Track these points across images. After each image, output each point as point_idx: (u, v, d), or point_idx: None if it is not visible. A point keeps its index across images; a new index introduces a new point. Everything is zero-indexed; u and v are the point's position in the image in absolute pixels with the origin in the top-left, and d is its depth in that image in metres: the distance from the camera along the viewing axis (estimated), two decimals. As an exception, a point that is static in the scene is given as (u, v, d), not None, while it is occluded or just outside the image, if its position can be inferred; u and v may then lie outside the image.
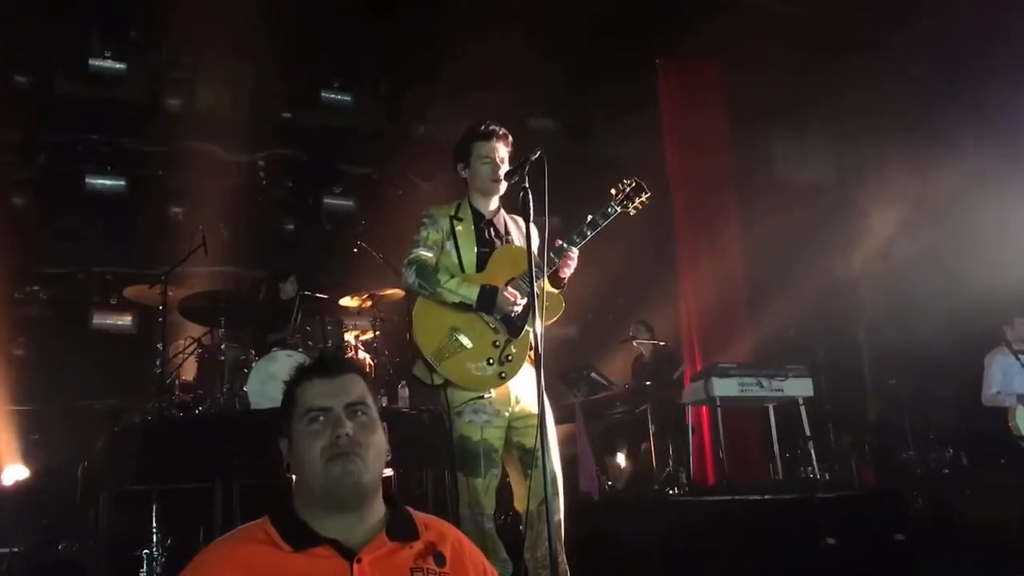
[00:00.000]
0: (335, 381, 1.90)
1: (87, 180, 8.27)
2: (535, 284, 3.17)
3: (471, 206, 3.78)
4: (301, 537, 1.78)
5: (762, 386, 6.42)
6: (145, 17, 7.92)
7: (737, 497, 5.66)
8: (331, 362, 1.98)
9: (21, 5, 7.43)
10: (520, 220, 3.80)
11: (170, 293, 6.27)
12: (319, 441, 1.82)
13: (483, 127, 3.74)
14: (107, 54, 8.17)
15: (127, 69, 8.26)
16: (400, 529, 1.86)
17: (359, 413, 1.88)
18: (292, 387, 1.93)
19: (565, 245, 3.61)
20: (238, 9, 6.98)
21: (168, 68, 8.57)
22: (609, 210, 3.70)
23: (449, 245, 3.68)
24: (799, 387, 6.55)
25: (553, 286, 3.70)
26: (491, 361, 3.52)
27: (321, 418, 1.85)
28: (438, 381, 3.53)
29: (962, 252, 8.28)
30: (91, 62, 8.13)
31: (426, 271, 3.59)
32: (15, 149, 8.18)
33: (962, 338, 7.82)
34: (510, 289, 3.54)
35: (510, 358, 3.54)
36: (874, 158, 9.97)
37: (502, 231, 3.78)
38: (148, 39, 8.32)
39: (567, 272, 3.68)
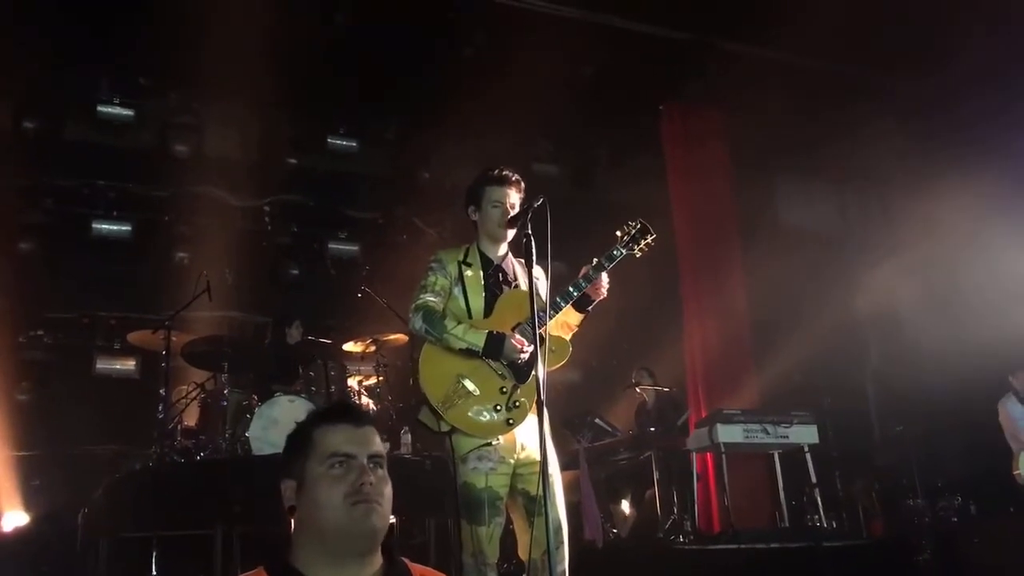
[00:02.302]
0: (360, 431, 1.91)
1: (93, 225, 8.30)
2: (540, 329, 3.17)
3: (480, 251, 3.77)
4: None
5: (767, 433, 6.39)
6: (154, 64, 8.01)
7: (743, 546, 5.61)
8: (356, 411, 1.99)
9: (31, 51, 7.52)
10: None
11: (173, 338, 6.29)
12: (341, 486, 1.82)
13: (496, 172, 3.75)
14: (116, 100, 8.25)
15: (135, 115, 8.33)
16: None
17: (378, 466, 1.90)
18: (309, 429, 1.92)
19: (571, 289, 3.60)
20: (246, 56, 7.06)
21: (176, 114, 8.63)
22: (615, 252, 3.70)
23: (457, 290, 3.66)
24: (805, 434, 6.51)
25: (578, 311, 3.70)
26: (498, 408, 3.50)
27: (342, 464, 1.85)
28: (445, 428, 3.49)
29: (968, 299, 8.26)
30: (100, 108, 8.20)
31: (433, 317, 3.57)
32: (23, 194, 8.23)
33: (969, 385, 7.78)
34: (517, 336, 3.53)
35: (517, 404, 3.51)
36: (879, 203, 10.00)
37: (510, 276, 3.77)
38: (157, 85, 8.40)
39: (598, 297, 3.68)
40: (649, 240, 3.77)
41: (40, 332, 8.26)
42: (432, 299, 3.62)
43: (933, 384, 8.54)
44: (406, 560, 1.93)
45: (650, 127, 8.72)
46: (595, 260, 3.68)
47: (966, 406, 7.81)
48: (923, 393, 8.64)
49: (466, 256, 3.74)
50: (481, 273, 3.70)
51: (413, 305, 3.64)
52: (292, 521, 1.88)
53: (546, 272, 3.38)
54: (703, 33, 8.05)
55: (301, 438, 1.92)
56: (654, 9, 7.70)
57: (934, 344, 8.67)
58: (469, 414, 3.48)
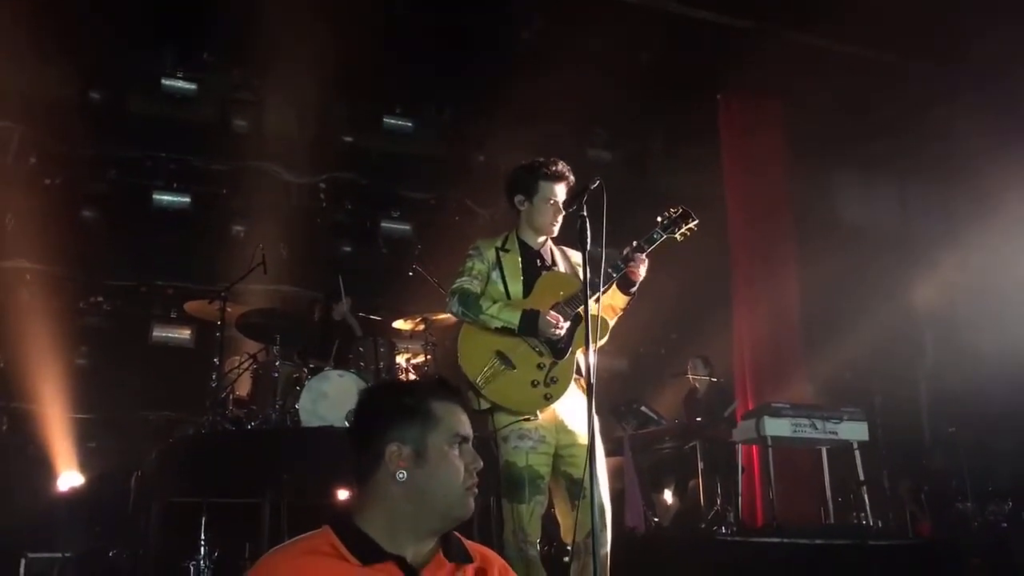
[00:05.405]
0: (466, 415, 1.97)
1: (154, 196, 8.47)
2: (579, 309, 3.26)
3: (519, 238, 3.80)
4: (369, 551, 1.80)
5: (816, 428, 6.30)
6: (217, 40, 8.15)
7: (786, 540, 5.54)
8: (463, 394, 2.02)
9: (100, 25, 7.68)
10: (568, 251, 3.86)
11: (228, 309, 6.39)
12: (462, 468, 1.88)
13: (553, 168, 3.72)
14: (179, 74, 8.42)
15: (198, 89, 8.49)
16: (455, 552, 1.92)
17: None
18: (428, 401, 1.91)
19: (610, 271, 3.58)
20: (306, 35, 7.14)
21: (237, 90, 8.78)
22: (655, 235, 3.71)
23: (495, 275, 3.71)
24: (854, 431, 6.41)
25: (623, 292, 3.68)
26: (536, 383, 3.52)
27: (463, 446, 1.91)
28: (485, 406, 3.54)
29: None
30: (164, 81, 8.38)
31: (469, 299, 3.63)
32: (87, 163, 8.43)
33: (1025, 390, 7.61)
34: (552, 312, 3.55)
35: (555, 379, 3.54)
36: (938, 198, 9.78)
37: (548, 261, 3.80)
38: (219, 61, 8.54)
39: (637, 278, 3.64)
40: (691, 225, 3.76)
41: (100, 299, 8.45)
42: (468, 283, 3.68)
43: (988, 387, 8.35)
44: (459, 535, 1.97)
45: (705, 115, 8.61)
46: (634, 243, 3.68)
47: (1021, 410, 7.64)
48: (977, 395, 8.46)
49: (504, 243, 3.79)
50: (519, 258, 3.74)
51: (450, 289, 3.72)
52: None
53: (586, 260, 3.34)
54: (763, 21, 7.93)
55: (417, 407, 1.89)
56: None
57: (991, 346, 8.47)
58: (507, 389, 3.52)
